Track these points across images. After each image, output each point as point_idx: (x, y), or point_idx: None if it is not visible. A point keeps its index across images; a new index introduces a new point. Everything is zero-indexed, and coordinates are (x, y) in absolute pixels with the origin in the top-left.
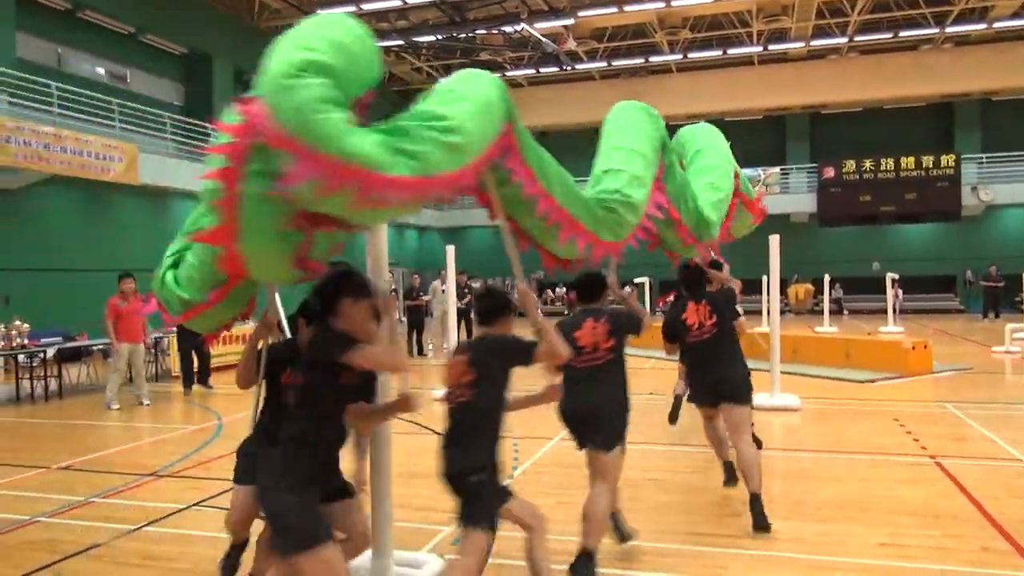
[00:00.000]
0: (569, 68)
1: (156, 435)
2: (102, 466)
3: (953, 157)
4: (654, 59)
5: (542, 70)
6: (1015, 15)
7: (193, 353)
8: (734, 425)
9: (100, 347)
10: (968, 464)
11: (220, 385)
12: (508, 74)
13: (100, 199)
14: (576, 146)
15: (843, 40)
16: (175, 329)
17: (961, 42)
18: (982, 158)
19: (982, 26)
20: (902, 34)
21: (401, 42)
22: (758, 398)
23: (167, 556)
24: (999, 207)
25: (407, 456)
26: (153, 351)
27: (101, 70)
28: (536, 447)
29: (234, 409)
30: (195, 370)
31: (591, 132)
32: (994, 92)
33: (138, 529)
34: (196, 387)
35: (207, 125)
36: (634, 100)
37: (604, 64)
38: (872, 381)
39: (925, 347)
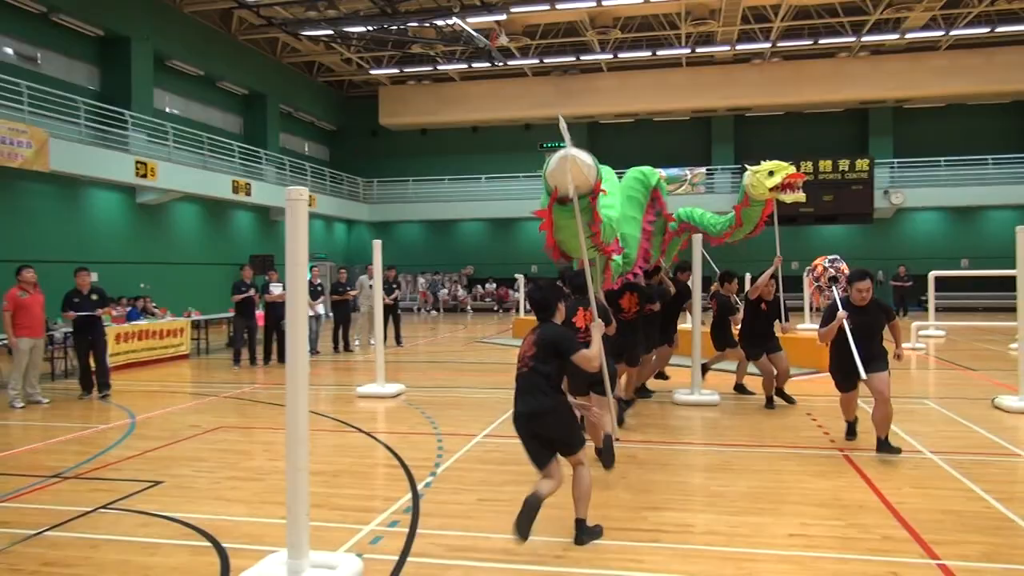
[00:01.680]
0: (501, 64)
1: (65, 434)
2: (1, 468)
3: (867, 161)
4: (585, 58)
5: (474, 65)
6: (925, 27)
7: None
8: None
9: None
10: (873, 456)
11: (136, 382)
12: (440, 68)
13: (6, 186)
14: (508, 141)
15: (767, 45)
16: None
17: (876, 51)
18: (894, 163)
19: (895, 36)
20: (822, 41)
21: (330, 32)
22: (679, 394)
23: (67, 562)
24: (909, 210)
25: (331, 454)
26: (63, 346)
27: (9, 50)
28: (460, 444)
29: (149, 406)
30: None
31: (522, 128)
32: (906, 100)
33: (38, 534)
34: (95, 393)
35: (124, 111)
36: (566, 101)
37: (536, 61)
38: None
39: None
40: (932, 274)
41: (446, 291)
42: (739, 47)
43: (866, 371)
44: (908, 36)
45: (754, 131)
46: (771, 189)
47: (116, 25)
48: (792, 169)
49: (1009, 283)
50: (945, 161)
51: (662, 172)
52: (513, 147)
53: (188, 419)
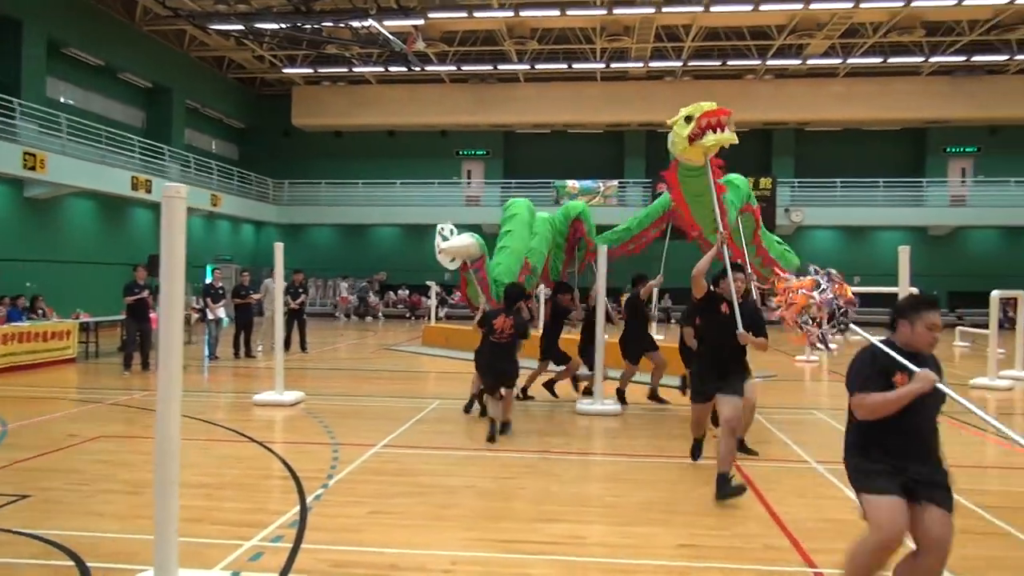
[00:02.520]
0: (418, 69)
1: None
2: None
3: (770, 180)
4: (503, 67)
5: (391, 69)
6: (825, 54)
7: None
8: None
9: None
10: (762, 466)
11: (14, 387)
12: (356, 70)
13: None
14: (424, 147)
15: (678, 64)
16: None
17: (780, 75)
18: (795, 182)
19: (798, 62)
20: (730, 63)
21: (241, 27)
22: (582, 403)
23: None
24: (808, 228)
25: (218, 465)
26: None
27: None
28: (357, 454)
29: (24, 413)
30: None
31: (439, 134)
32: (807, 122)
33: None
34: None
35: (12, 100)
36: (483, 109)
37: (454, 68)
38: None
39: None
40: None
41: (377, 298)
42: (652, 64)
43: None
44: (809, 62)
45: (665, 147)
46: (691, 139)
47: (6, 6)
48: (711, 105)
49: (894, 299)
50: (841, 182)
51: (574, 184)
52: (429, 153)
53: (66, 427)
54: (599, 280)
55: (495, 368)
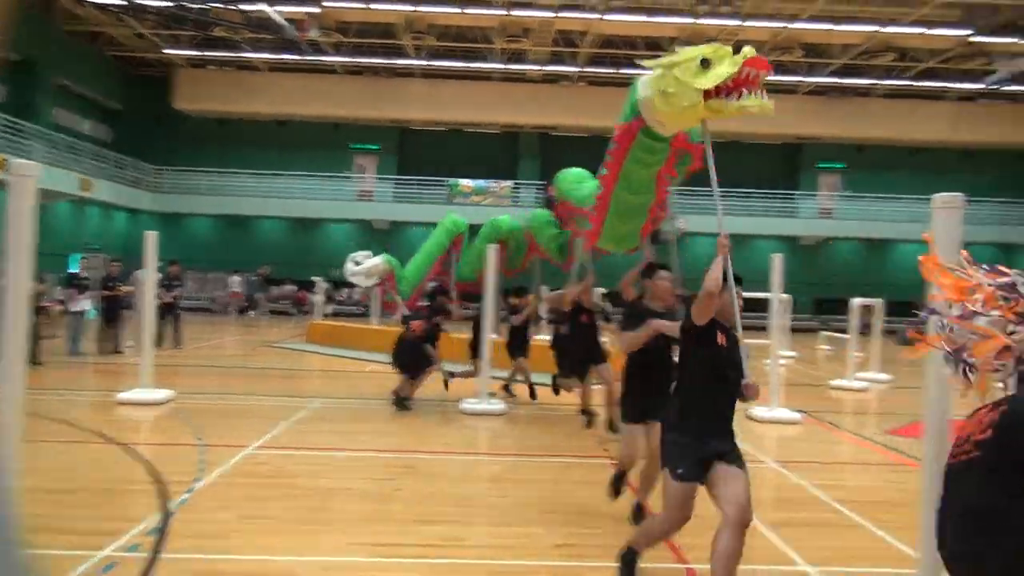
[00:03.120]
0: (311, 58)
1: None
2: None
3: None
4: (399, 61)
5: (283, 56)
6: None
7: None
8: None
9: None
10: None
11: None
12: (245, 55)
13: None
14: (315, 139)
15: (574, 69)
16: None
17: None
18: (677, 190)
19: None
20: (623, 71)
21: (123, 2)
22: (466, 403)
23: None
24: (692, 235)
25: (71, 469)
26: None
27: None
28: (227, 456)
29: None
30: None
31: (331, 127)
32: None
33: None
34: None
35: None
36: (377, 103)
37: (348, 59)
38: (573, 387)
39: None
40: None
41: (261, 293)
42: (549, 68)
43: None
44: None
45: (559, 150)
46: (712, 94)
47: None
48: (749, 50)
49: (764, 305)
50: (721, 192)
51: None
52: (321, 145)
53: None
54: (489, 273)
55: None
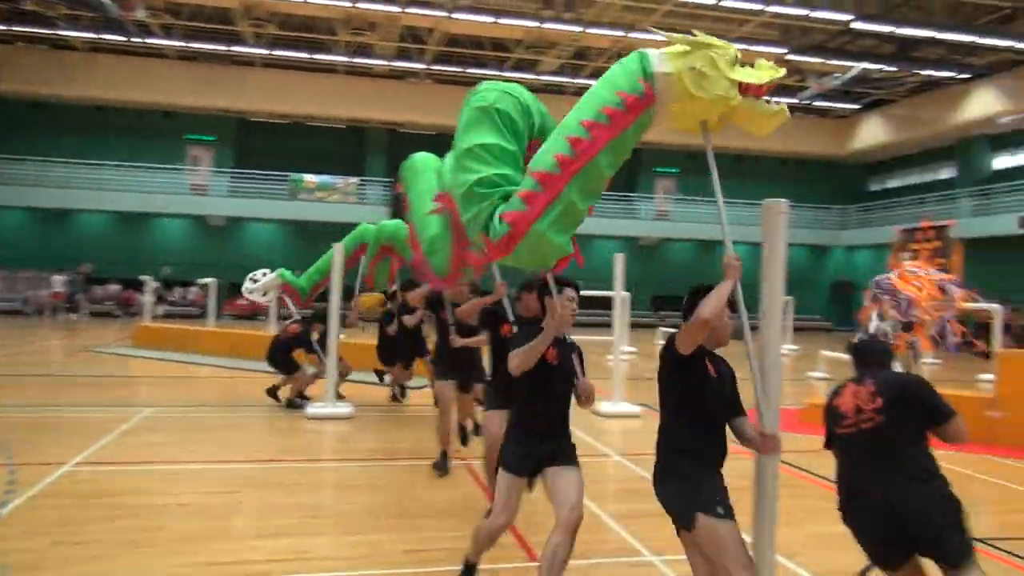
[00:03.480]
0: (138, 40)
1: None
2: None
3: None
4: (237, 48)
5: (105, 36)
6: (556, 72)
7: None
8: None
9: None
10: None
11: None
12: (61, 33)
13: None
14: (144, 127)
15: (421, 66)
16: None
17: None
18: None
19: (532, 76)
20: (470, 71)
21: None
22: (312, 407)
23: None
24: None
25: None
26: None
27: None
28: (40, 475)
29: None
30: None
31: (162, 115)
32: None
33: None
34: None
35: None
36: (213, 91)
37: (181, 43)
38: (424, 387)
39: None
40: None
41: (82, 293)
42: (396, 64)
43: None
44: (543, 78)
45: (408, 147)
46: (749, 91)
47: None
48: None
49: (607, 302)
50: None
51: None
52: (150, 134)
53: None
54: (335, 272)
55: None
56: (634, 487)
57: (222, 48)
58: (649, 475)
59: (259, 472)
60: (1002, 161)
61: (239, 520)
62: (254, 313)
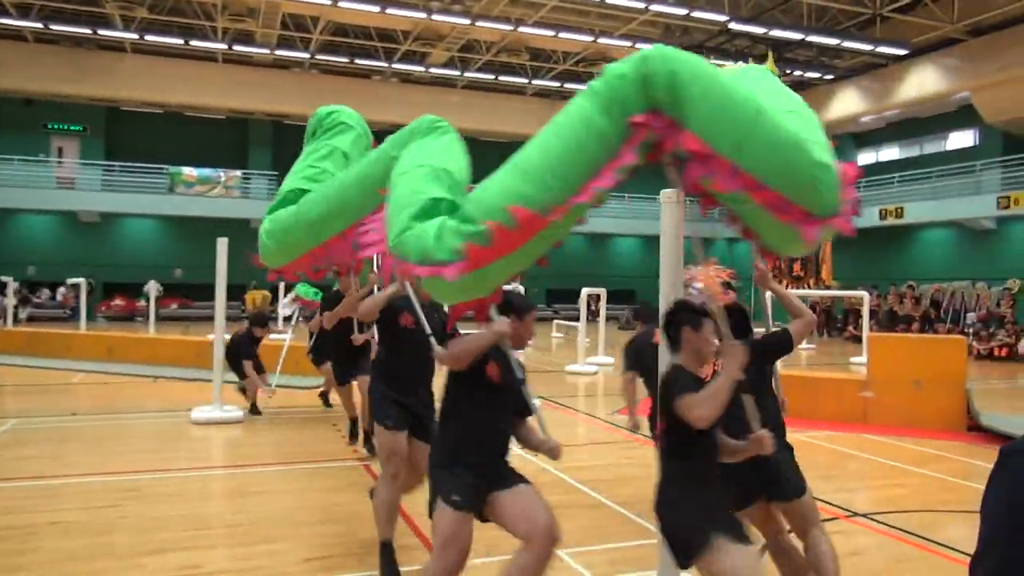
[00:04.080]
0: None
1: None
2: None
3: None
4: (104, 32)
5: None
6: (446, 65)
7: None
8: None
9: None
10: None
11: None
12: None
13: None
14: (1, 116)
15: (305, 55)
16: None
17: (406, 79)
18: None
19: (421, 69)
20: (358, 61)
21: None
22: (198, 412)
23: None
24: None
25: None
26: None
27: None
28: None
29: None
30: None
31: (22, 102)
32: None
33: None
34: None
35: None
36: (79, 78)
37: (40, 25)
38: (317, 387)
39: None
40: None
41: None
42: (278, 52)
43: None
44: (432, 71)
45: (293, 139)
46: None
47: None
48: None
49: None
50: None
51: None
52: (8, 124)
53: None
54: (220, 267)
55: None
56: (536, 480)
57: (87, 31)
58: (551, 466)
59: (141, 483)
60: (865, 157)
61: (122, 536)
62: (132, 314)
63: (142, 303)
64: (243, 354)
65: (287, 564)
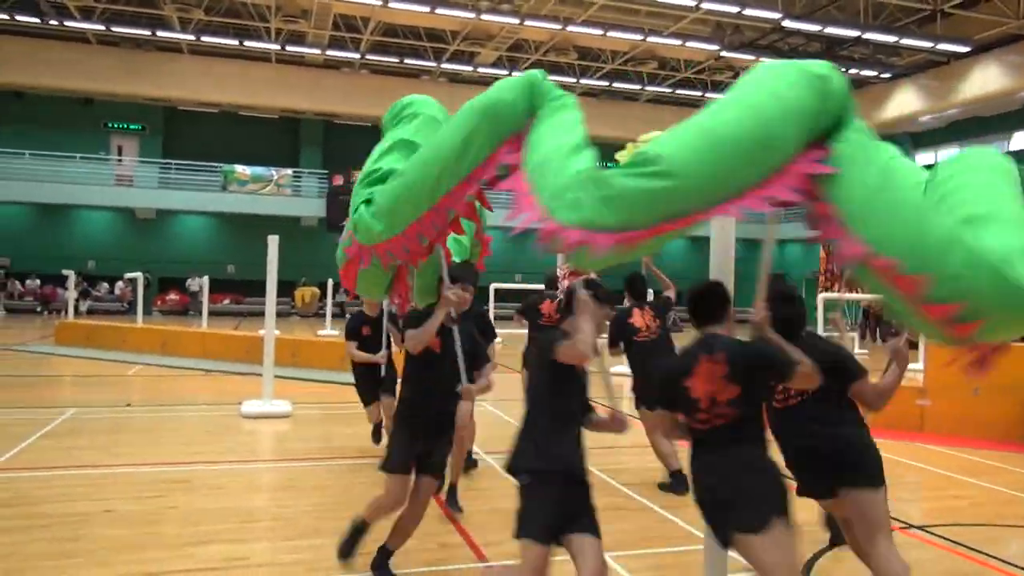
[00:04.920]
0: (54, 22)
1: None
2: None
3: None
4: (162, 34)
5: (18, 17)
6: (494, 64)
7: None
8: None
9: None
10: None
11: None
12: None
13: None
14: (63, 115)
15: (356, 56)
16: None
17: (453, 79)
18: None
19: (470, 68)
20: (407, 61)
21: None
22: (248, 405)
23: None
24: None
25: None
26: None
27: None
28: None
29: None
30: None
31: (82, 102)
32: None
33: None
34: None
35: None
36: (138, 79)
37: (102, 27)
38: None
39: None
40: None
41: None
42: (329, 52)
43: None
44: (480, 70)
45: (342, 138)
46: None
47: None
48: None
49: None
50: None
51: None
52: (70, 123)
53: None
54: (271, 264)
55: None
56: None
57: (146, 33)
58: (602, 466)
59: (191, 475)
60: (924, 158)
61: (170, 527)
62: (186, 309)
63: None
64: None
65: (330, 559)
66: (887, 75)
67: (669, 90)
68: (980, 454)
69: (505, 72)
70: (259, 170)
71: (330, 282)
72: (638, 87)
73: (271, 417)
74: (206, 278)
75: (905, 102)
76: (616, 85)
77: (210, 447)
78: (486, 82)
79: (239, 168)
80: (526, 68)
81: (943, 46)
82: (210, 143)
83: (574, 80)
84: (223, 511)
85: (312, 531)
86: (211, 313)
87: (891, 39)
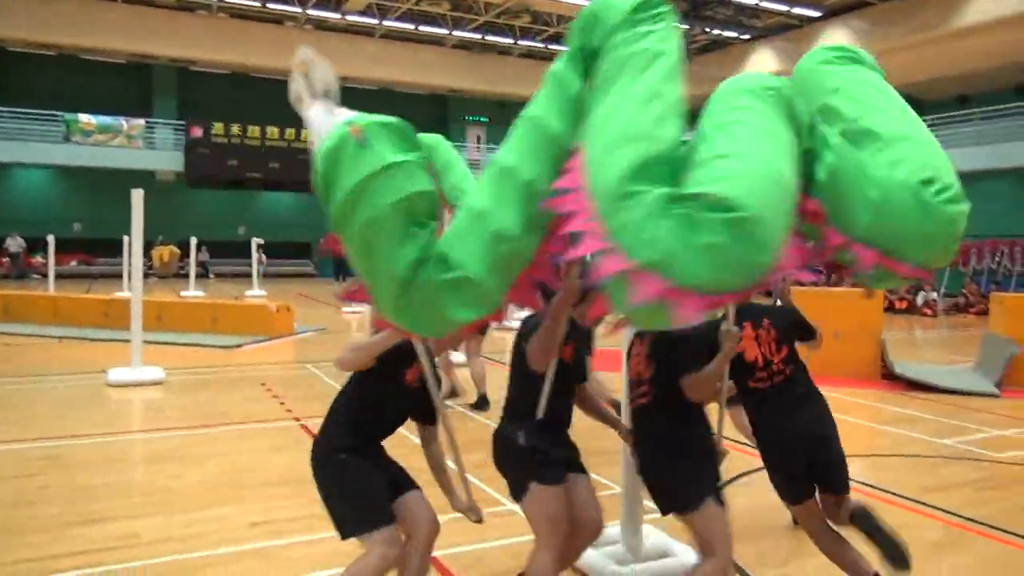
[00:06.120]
0: None
1: None
2: None
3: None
4: None
5: None
6: (364, 12)
7: None
8: None
9: None
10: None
11: None
12: None
13: None
14: None
15: None
16: None
17: (320, 26)
18: None
19: (337, 15)
20: (269, 6)
21: None
22: (115, 373)
23: None
24: None
25: None
26: None
27: None
28: None
29: None
30: None
31: None
32: (344, 78)
33: None
34: None
35: None
36: None
37: None
38: (239, 346)
39: (288, 310)
40: None
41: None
42: None
43: None
44: (348, 17)
45: (200, 87)
46: None
47: None
48: None
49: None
50: None
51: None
52: None
53: None
54: (135, 222)
55: None
56: (482, 437)
57: None
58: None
59: (63, 450)
60: None
61: (44, 508)
62: (8, 273)
63: (38, 259)
64: None
65: (234, 529)
66: (746, 36)
67: (542, 45)
68: (844, 391)
69: (375, 21)
70: (106, 120)
71: (192, 241)
72: (510, 41)
73: (142, 385)
74: (51, 237)
75: (762, 62)
76: (490, 38)
77: (79, 420)
78: (354, 31)
79: (83, 117)
80: (396, 17)
81: (797, 10)
82: (49, 89)
83: (446, 32)
84: (106, 487)
85: (208, 502)
86: (56, 275)
87: (752, 1)
